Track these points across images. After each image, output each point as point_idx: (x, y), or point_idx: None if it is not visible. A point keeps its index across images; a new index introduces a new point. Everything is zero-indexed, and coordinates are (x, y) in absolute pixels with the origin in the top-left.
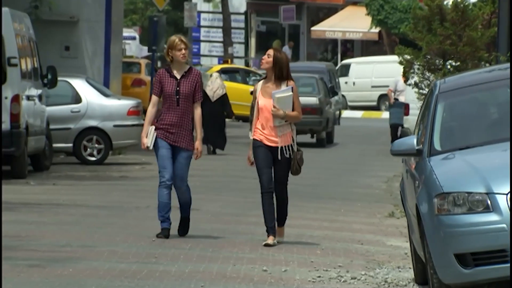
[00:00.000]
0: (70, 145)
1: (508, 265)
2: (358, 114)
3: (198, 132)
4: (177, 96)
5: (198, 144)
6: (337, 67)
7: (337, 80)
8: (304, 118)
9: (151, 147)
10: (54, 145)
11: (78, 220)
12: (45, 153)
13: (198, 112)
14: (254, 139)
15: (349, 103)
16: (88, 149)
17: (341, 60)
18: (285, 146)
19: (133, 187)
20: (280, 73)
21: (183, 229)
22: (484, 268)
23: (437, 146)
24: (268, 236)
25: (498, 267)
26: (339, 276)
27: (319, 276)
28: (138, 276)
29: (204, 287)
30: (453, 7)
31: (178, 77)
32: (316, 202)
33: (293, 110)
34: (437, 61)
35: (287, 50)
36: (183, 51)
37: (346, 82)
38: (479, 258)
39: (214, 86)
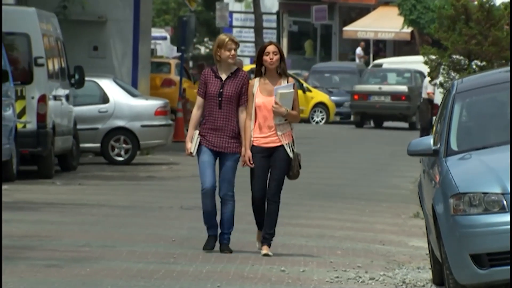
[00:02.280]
0: (98, 145)
1: None
2: None
3: (244, 138)
4: (220, 98)
5: (243, 150)
6: (368, 67)
7: None
8: (395, 104)
9: (194, 153)
10: (82, 145)
11: (99, 220)
12: (72, 153)
13: (243, 116)
14: (252, 145)
15: None
16: (116, 149)
17: (373, 60)
18: (288, 144)
19: (159, 187)
20: (283, 69)
21: (226, 247)
22: (500, 269)
23: (453, 146)
24: (262, 246)
25: None
26: (357, 277)
27: (337, 277)
28: (155, 276)
29: (220, 287)
30: (478, 7)
31: (224, 78)
32: (341, 202)
33: (292, 109)
34: (462, 61)
35: (361, 52)
36: (233, 51)
37: None
38: (494, 259)
39: None
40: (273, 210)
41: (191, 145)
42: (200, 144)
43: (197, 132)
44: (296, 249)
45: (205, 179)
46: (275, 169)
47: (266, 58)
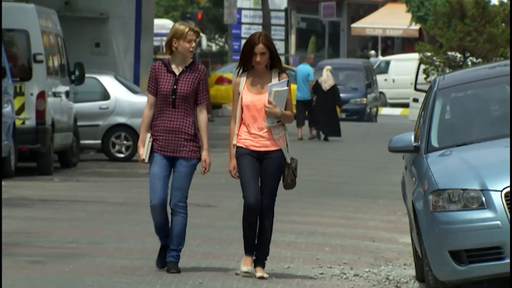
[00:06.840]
0: (99, 142)
1: (502, 262)
2: (397, 111)
3: (204, 141)
4: (173, 96)
5: (205, 154)
6: (376, 64)
7: (374, 77)
8: None
9: (146, 160)
10: (83, 142)
11: (91, 217)
12: (72, 150)
13: (203, 117)
14: (238, 146)
15: (388, 100)
16: (117, 146)
17: (382, 56)
18: (285, 148)
19: None
20: (273, 63)
21: (174, 265)
22: (479, 265)
23: (434, 142)
24: (255, 267)
25: (492, 264)
26: (341, 273)
27: (322, 273)
28: (138, 273)
29: (202, 284)
30: (473, 4)
31: (177, 72)
32: (339, 199)
33: (285, 109)
34: (457, 57)
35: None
36: (193, 43)
37: (385, 79)
38: (473, 255)
39: (327, 78)
40: (267, 225)
41: (143, 151)
42: (152, 151)
43: (149, 135)
44: (284, 245)
45: (153, 194)
46: (267, 178)
47: (253, 58)
